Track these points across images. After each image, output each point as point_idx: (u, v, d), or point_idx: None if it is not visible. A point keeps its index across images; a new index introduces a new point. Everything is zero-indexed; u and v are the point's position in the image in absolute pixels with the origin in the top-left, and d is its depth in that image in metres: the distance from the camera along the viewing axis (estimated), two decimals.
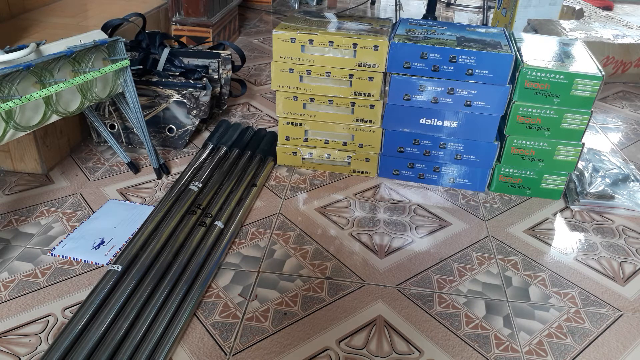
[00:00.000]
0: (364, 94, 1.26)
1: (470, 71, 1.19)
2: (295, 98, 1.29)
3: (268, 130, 1.54)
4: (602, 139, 1.67)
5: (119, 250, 1.05)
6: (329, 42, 1.21)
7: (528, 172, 1.30)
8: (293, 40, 1.22)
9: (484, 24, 2.61)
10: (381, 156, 1.35)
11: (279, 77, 1.27)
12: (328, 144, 1.35)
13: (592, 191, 1.28)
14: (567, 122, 1.21)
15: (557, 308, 0.98)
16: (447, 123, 1.26)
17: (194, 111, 1.44)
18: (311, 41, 1.22)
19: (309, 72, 1.25)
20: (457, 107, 1.23)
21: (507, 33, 1.33)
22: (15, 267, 1.00)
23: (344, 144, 1.34)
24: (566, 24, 2.27)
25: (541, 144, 1.25)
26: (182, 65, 1.49)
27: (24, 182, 1.27)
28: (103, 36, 1.15)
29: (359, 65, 1.23)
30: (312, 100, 1.29)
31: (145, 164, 1.38)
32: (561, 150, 1.25)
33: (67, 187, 1.27)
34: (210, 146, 1.39)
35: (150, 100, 1.42)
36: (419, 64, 1.21)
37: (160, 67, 1.46)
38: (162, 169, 1.33)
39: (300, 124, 1.33)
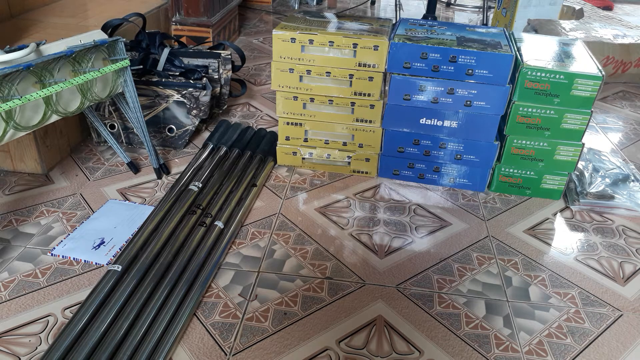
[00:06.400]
0: (364, 94, 1.26)
1: (470, 71, 1.19)
2: (295, 98, 1.29)
3: (268, 130, 1.54)
4: (602, 139, 1.67)
5: (119, 250, 1.05)
6: (329, 42, 1.21)
7: (528, 172, 1.30)
8: (293, 40, 1.22)
9: (484, 24, 2.61)
10: (381, 156, 1.35)
11: (279, 77, 1.27)
12: (328, 144, 1.35)
13: (592, 191, 1.28)
14: (567, 122, 1.21)
15: (557, 308, 0.98)
16: (447, 123, 1.26)
17: (194, 111, 1.44)
18: (311, 41, 1.22)
19: (309, 72, 1.25)
20: (457, 107, 1.23)
21: (507, 33, 1.33)
22: (15, 267, 1.00)
23: (344, 144, 1.34)
24: (566, 24, 2.27)
25: (541, 144, 1.25)
26: (182, 65, 1.49)
27: (24, 182, 1.27)
28: (103, 36, 1.15)
29: (359, 65, 1.23)
30: (312, 100, 1.29)
31: (145, 164, 1.38)
32: (561, 150, 1.25)
33: (67, 187, 1.27)
34: (210, 146, 1.39)
35: (150, 100, 1.42)
36: (419, 64, 1.21)
37: (160, 67, 1.46)
38: (162, 169, 1.33)
39: (300, 124, 1.33)
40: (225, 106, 1.64)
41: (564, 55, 1.27)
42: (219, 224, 1.10)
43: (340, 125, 1.32)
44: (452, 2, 3.36)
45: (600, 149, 1.51)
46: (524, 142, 1.25)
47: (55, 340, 0.82)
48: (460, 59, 1.18)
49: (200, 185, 1.22)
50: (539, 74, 1.17)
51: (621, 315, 0.98)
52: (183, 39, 2.03)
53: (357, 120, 1.30)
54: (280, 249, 1.09)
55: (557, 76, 1.17)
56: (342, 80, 1.25)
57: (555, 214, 1.27)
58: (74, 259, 1.03)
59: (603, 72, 1.17)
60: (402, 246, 1.12)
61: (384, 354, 0.87)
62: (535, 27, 2.23)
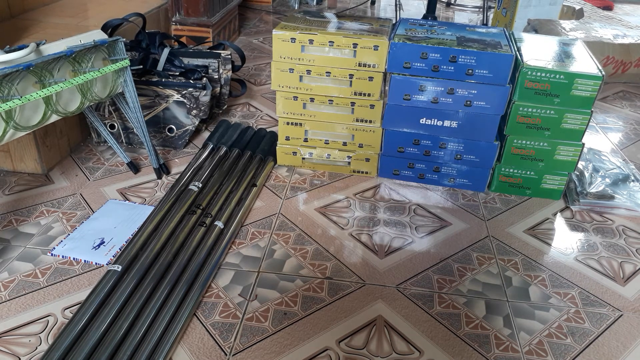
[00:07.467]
0: (364, 94, 1.26)
1: (470, 71, 1.19)
2: (295, 98, 1.29)
3: (268, 130, 1.54)
4: (602, 139, 1.67)
5: (118, 250, 1.05)
6: (329, 42, 1.21)
7: (528, 172, 1.29)
8: (293, 40, 1.22)
9: (484, 24, 2.61)
10: (381, 156, 1.35)
11: (279, 77, 1.27)
12: (328, 144, 1.35)
13: (592, 191, 1.28)
14: (567, 122, 1.21)
15: (557, 308, 0.98)
16: (447, 123, 1.26)
17: (194, 111, 1.44)
18: (311, 41, 1.22)
19: (309, 72, 1.25)
20: (457, 107, 1.23)
21: (507, 33, 1.33)
22: (15, 267, 1.00)
23: (344, 144, 1.34)
24: (566, 24, 2.27)
25: (541, 144, 1.25)
26: (182, 65, 1.49)
27: (24, 182, 1.27)
28: (103, 36, 1.15)
29: (359, 65, 1.23)
30: (312, 100, 1.29)
31: (145, 164, 1.38)
32: (561, 150, 1.25)
33: (67, 187, 1.27)
34: (210, 146, 1.39)
35: (150, 100, 1.42)
36: (419, 64, 1.21)
37: (160, 67, 1.46)
38: (162, 169, 1.33)
39: (300, 124, 1.33)
40: (225, 106, 1.64)
41: (564, 55, 1.26)
42: (219, 224, 1.10)
43: (340, 125, 1.31)
44: (452, 2, 3.36)
45: (600, 149, 1.51)
46: (524, 142, 1.25)
47: (55, 340, 0.82)
48: (460, 59, 1.18)
49: (200, 185, 1.22)
50: (539, 74, 1.17)
51: (621, 315, 0.98)
52: (183, 39, 2.03)
53: (357, 120, 1.30)
54: (280, 249, 1.09)
55: (557, 76, 1.17)
56: (342, 80, 1.25)
57: (555, 214, 1.27)
58: (73, 259, 1.03)
59: (603, 72, 1.16)
60: (402, 246, 1.12)
61: (384, 354, 0.86)
62: (535, 27, 2.23)
